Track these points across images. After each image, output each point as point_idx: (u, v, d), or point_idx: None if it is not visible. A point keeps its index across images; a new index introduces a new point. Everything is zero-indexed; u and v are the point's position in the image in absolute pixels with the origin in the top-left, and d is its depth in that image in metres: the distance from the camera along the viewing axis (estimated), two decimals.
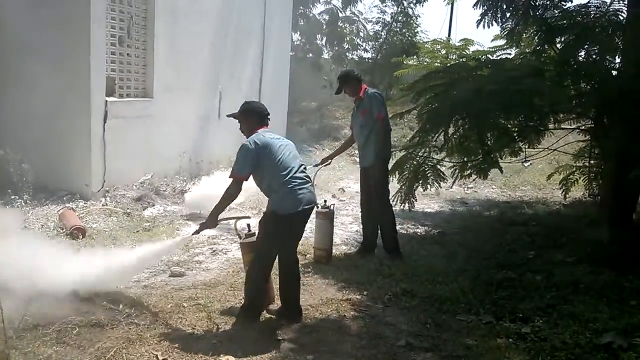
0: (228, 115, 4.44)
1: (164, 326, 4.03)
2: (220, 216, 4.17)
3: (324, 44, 19.50)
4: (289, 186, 4.02)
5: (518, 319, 4.35)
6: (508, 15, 7.25)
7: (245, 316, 4.19)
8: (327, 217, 5.68)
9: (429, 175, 6.92)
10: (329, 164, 6.43)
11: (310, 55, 19.12)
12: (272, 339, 3.93)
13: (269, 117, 4.35)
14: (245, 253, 4.39)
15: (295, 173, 4.07)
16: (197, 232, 4.31)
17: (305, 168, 4.24)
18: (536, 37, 7.22)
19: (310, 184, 4.21)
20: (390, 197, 6.15)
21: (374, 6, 19.41)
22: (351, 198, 9.09)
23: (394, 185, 6.58)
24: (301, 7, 17.88)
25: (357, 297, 4.78)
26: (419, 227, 7.56)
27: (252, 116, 4.30)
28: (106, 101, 7.30)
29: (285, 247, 4.24)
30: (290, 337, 3.98)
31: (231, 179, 4.07)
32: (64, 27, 7.04)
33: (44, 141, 7.27)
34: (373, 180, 5.84)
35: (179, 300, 4.49)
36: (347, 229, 7.34)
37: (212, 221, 4.16)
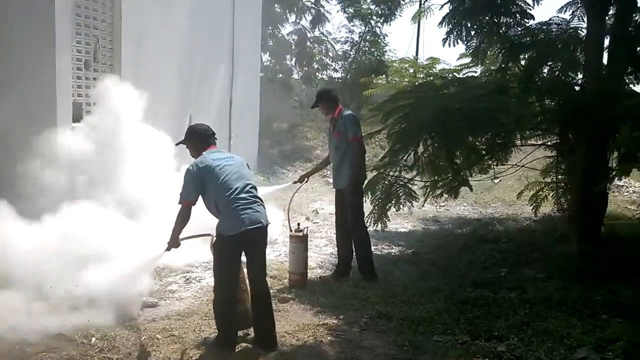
0: (176, 144, 4.48)
1: None
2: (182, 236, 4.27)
3: (293, 64, 19.63)
4: (232, 206, 3.98)
5: (493, 337, 4.38)
6: (473, 33, 7.42)
7: (219, 346, 4.14)
8: (301, 240, 5.63)
9: (400, 194, 6.98)
10: (307, 181, 6.44)
11: (280, 75, 19.21)
12: None
13: (214, 136, 4.39)
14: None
15: (239, 193, 4.02)
16: (166, 249, 4.34)
17: (252, 187, 4.18)
18: (500, 55, 7.40)
19: (258, 203, 4.14)
20: (364, 218, 6.15)
21: (342, 26, 19.56)
22: (325, 220, 9.09)
23: (367, 206, 6.60)
24: (269, 28, 17.99)
25: (334, 321, 4.75)
26: (393, 247, 7.58)
27: (195, 139, 4.35)
28: (73, 127, 7.18)
29: (236, 270, 4.19)
30: None
31: (179, 205, 4.10)
32: (30, 52, 6.89)
33: None
34: (348, 203, 5.83)
35: (152, 332, 4.41)
36: (322, 251, 7.32)
37: (174, 241, 4.25)
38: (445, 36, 7.48)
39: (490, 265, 6.50)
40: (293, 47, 19.29)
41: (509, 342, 4.28)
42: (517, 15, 7.28)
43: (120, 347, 4.14)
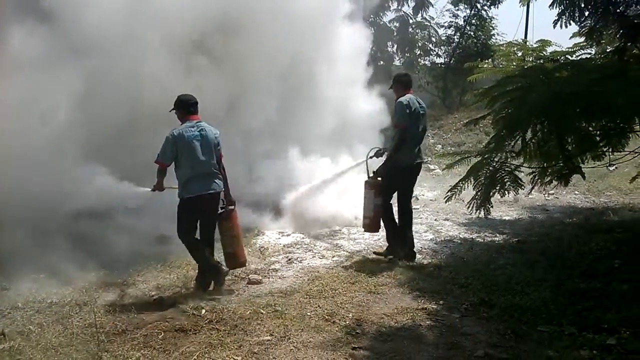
0: (169, 110, 5.17)
1: (243, 332, 4.16)
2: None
3: (395, 51, 19.46)
4: (191, 175, 4.93)
5: (603, 330, 4.14)
6: (587, 14, 6.99)
7: (199, 280, 5.17)
8: (371, 187, 6.07)
9: (506, 181, 6.73)
10: (382, 154, 6.47)
11: (382, 63, 19.11)
12: (348, 347, 3.96)
13: (196, 105, 5.11)
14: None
15: (200, 164, 4.94)
16: (152, 190, 5.19)
17: (217, 161, 5.10)
18: (618, 36, 6.91)
19: (212, 176, 5.03)
20: (388, 200, 6.20)
21: (446, 10, 19.09)
22: (425, 206, 9.00)
23: (469, 191, 6.46)
24: (371, 16, 17.92)
25: (433, 306, 4.72)
26: (497, 235, 7.36)
27: (179, 107, 5.09)
28: None
29: (191, 226, 5.09)
30: (365, 345, 4.00)
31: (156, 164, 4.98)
32: None
33: None
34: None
35: (257, 307, 4.63)
36: (422, 237, 7.25)
37: (159, 186, 5.13)
38: (556, 17, 7.11)
39: (602, 256, 6.11)
40: (395, 34, 19.11)
41: (619, 335, 4.02)
42: None
43: (227, 319, 4.39)
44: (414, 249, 6.21)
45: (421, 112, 6.10)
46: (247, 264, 5.64)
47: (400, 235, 6.12)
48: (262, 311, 4.55)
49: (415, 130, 6.01)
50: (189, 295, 4.98)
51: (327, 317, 4.46)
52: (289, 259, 6.15)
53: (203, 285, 5.11)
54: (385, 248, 6.27)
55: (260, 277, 5.47)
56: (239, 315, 4.46)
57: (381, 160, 6.32)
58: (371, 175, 6.17)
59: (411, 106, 5.95)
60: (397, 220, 6.22)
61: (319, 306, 4.68)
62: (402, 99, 5.98)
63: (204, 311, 4.53)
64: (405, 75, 6.33)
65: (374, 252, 6.35)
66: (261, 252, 6.33)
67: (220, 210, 5.20)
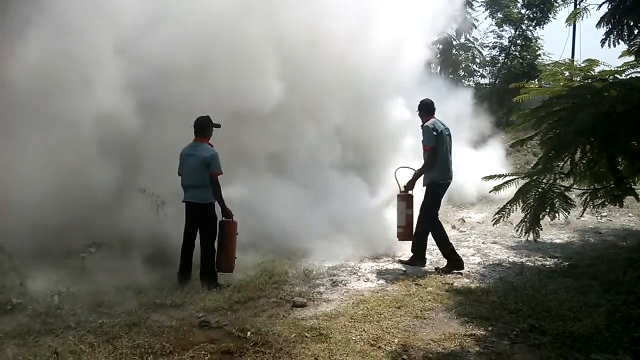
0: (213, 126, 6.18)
1: (288, 355, 4.15)
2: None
3: (438, 72, 19.38)
4: (183, 186, 6.03)
5: None
6: (636, 32, 6.80)
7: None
8: (403, 199, 6.80)
9: (555, 203, 6.56)
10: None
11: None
12: None
13: (199, 129, 6.00)
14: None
15: (186, 179, 6.00)
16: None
17: (193, 178, 5.91)
18: None
19: (193, 188, 5.95)
20: (434, 217, 6.71)
21: (490, 31, 18.95)
22: (472, 229, 8.84)
23: (517, 214, 6.33)
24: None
25: (482, 332, 4.61)
26: (548, 259, 7.15)
27: (194, 127, 6.04)
28: None
29: (186, 231, 6.08)
30: None
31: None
32: None
33: None
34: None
35: (301, 330, 4.61)
36: (469, 260, 7.11)
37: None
38: (604, 36, 6.95)
39: None
40: (438, 55, 19.06)
41: None
42: None
43: (273, 342, 4.38)
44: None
45: (446, 133, 6.69)
46: (232, 272, 6.08)
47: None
48: (306, 334, 4.53)
49: (442, 150, 6.58)
50: (235, 317, 5.01)
51: (372, 341, 4.41)
52: (334, 282, 6.12)
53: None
54: (444, 265, 6.63)
55: (305, 300, 5.46)
56: (284, 339, 4.46)
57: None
58: (402, 189, 6.86)
59: (437, 129, 6.56)
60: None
61: (364, 330, 4.63)
62: (427, 123, 6.65)
63: (249, 333, 4.54)
64: (426, 101, 6.89)
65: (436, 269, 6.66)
66: (305, 275, 6.32)
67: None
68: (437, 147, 6.54)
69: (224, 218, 6.04)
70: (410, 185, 6.78)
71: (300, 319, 4.96)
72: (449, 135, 6.78)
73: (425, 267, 6.76)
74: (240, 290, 5.68)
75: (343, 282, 6.14)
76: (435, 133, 6.53)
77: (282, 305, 5.37)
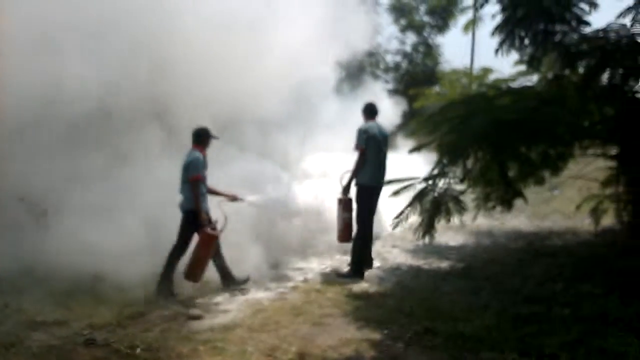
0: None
1: None
2: None
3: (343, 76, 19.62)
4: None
5: (544, 355, 4.13)
6: (527, 42, 7.17)
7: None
8: (339, 203, 6.79)
9: (450, 207, 6.78)
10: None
11: None
12: None
13: (195, 137, 5.97)
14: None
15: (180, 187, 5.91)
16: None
17: (182, 183, 5.85)
18: (556, 63, 7.12)
19: (181, 194, 5.89)
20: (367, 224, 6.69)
21: (394, 37, 19.44)
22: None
23: (416, 218, 6.47)
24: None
25: (378, 336, 4.63)
26: (443, 261, 7.38)
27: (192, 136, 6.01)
28: None
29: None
30: None
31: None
32: None
33: None
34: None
35: (195, 344, 4.43)
36: None
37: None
38: (497, 46, 7.29)
39: (545, 280, 6.19)
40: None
41: None
42: (573, 22, 6.99)
43: (164, 358, 4.17)
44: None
45: (379, 137, 6.64)
46: (196, 282, 5.85)
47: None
48: (200, 348, 4.35)
49: (372, 153, 6.54)
50: (125, 333, 4.73)
51: (268, 351, 4.30)
52: (232, 292, 5.95)
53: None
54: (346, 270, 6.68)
55: (201, 312, 5.27)
56: (177, 353, 4.25)
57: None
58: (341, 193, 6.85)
59: (369, 131, 6.57)
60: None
61: (260, 340, 4.52)
62: (362, 125, 6.69)
63: (139, 350, 4.29)
64: (369, 104, 6.98)
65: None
66: (203, 286, 6.12)
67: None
68: (366, 150, 6.53)
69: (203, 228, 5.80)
70: (345, 189, 6.74)
71: (195, 332, 4.76)
72: (385, 139, 6.79)
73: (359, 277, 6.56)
74: (132, 305, 5.39)
75: (242, 291, 5.99)
76: (365, 135, 6.54)
77: (177, 319, 5.13)
